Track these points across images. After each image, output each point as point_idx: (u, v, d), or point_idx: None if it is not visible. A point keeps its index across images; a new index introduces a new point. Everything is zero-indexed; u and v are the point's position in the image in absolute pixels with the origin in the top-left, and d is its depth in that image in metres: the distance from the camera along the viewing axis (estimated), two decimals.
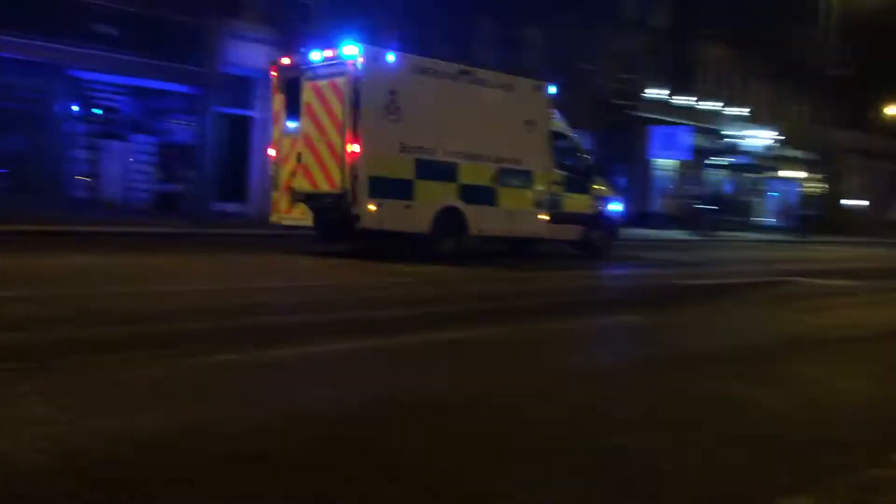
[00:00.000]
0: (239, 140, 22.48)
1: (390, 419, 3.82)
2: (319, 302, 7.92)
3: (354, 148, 12.26)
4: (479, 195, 13.83)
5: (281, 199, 13.56)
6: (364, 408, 3.99)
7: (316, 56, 12.94)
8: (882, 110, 51.94)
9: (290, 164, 13.37)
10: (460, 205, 13.54)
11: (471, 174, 13.69)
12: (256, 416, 3.72)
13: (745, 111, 39.63)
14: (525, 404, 4.24)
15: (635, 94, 32.43)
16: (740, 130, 39.45)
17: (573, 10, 30.03)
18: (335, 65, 12.61)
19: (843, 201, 47.73)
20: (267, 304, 7.54)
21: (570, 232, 15.56)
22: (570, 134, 16.20)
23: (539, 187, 14.78)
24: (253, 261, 12.00)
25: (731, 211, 35.79)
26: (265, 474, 2.98)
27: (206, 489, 2.83)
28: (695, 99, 36.80)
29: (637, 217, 25.87)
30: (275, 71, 13.89)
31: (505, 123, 14.23)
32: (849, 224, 45.30)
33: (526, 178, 14.62)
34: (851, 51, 45.80)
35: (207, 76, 20.63)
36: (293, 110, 13.38)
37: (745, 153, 39.73)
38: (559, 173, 15.32)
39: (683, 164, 35.30)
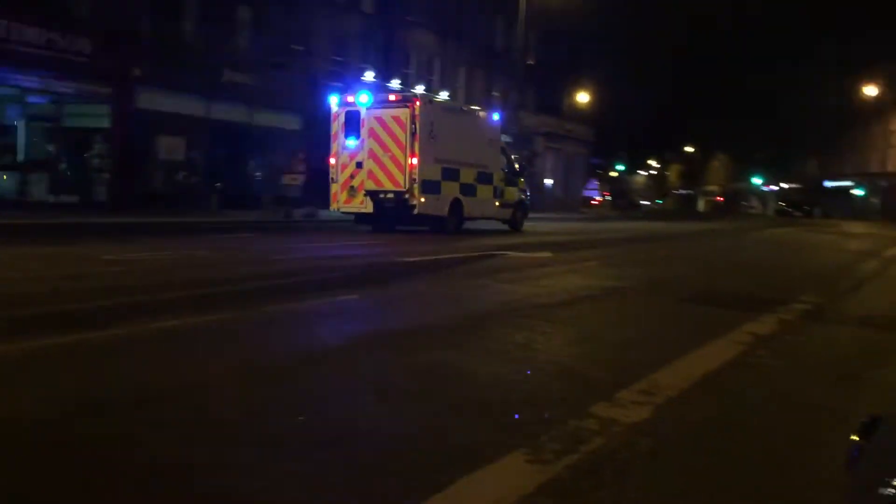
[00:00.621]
0: None
1: (110, 414, 3.55)
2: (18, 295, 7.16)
3: (414, 161, 18.24)
4: (469, 190, 20.26)
5: (340, 193, 19.03)
6: (83, 405, 3.67)
7: (382, 97, 19.62)
8: (570, 96, 56.95)
9: (350, 169, 18.86)
10: (461, 197, 19.84)
11: (465, 176, 20.07)
12: None
13: (447, 96, 41.54)
14: (238, 391, 4.13)
15: (349, 77, 32.77)
16: None
17: None
18: (397, 104, 18.73)
19: (543, 181, 51.74)
20: None
21: (507, 213, 22.70)
22: (506, 146, 23.77)
23: (495, 184, 21.65)
24: None
25: None
26: None
27: None
28: (403, 83, 37.93)
29: None
30: (335, 103, 19.26)
31: (479, 141, 20.96)
32: (543, 201, 49.23)
33: (489, 177, 21.35)
34: (543, 40, 49.48)
35: None
36: (351, 131, 18.84)
37: None
38: (503, 173, 22.31)
39: None
